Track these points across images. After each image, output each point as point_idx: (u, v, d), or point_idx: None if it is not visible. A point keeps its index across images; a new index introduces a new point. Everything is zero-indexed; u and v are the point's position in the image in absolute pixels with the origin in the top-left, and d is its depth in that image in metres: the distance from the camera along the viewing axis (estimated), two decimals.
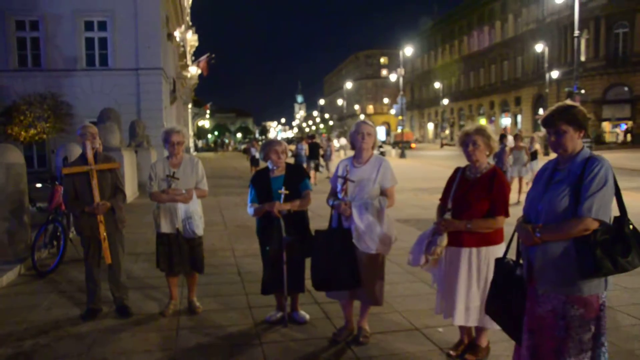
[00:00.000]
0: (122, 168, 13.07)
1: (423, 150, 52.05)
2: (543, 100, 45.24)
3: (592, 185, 2.81)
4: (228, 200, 14.49)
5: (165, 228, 5.05)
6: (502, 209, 3.89)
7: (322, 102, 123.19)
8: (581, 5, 25.83)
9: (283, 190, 4.73)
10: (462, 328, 4.25)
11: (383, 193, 4.42)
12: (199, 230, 5.09)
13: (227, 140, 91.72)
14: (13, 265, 6.71)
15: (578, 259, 2.81)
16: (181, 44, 37.19)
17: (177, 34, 32.45)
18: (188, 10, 46.34)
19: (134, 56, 22.96)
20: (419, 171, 13.87)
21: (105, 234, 4.99)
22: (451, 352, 4.23)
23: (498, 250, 3.87)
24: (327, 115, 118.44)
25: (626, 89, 43.98)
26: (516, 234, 3.16)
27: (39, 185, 8.22)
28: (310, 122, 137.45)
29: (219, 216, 11.78)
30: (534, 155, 14.03)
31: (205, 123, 72.64)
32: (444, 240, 3.97)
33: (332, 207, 4.55)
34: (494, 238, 3.93)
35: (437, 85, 67.03)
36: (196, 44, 49.64)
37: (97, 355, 4.30)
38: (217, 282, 6.37)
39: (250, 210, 4.93)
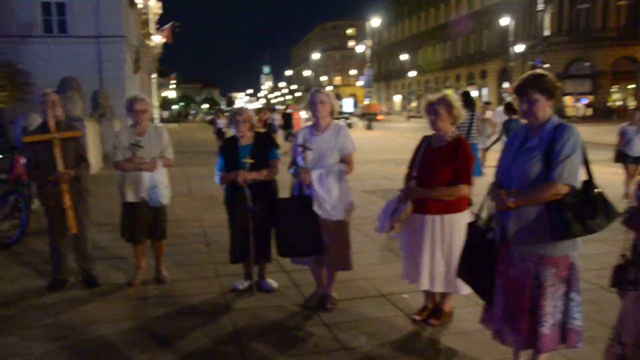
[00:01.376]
0: (86, 138, 12.75)
1: (390, 122, 52.25)
2: (508, 74, 45.86)
3: (563, 152, 2.93)
4: (194, 171, 14.34)
5: (131, 197, 5.00)
6: (465, 178, 3.98)
7: (289, 73, 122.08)
8: None
9: (247, 159, 4.72)
10: (426, 293, 4.38)
11: (342, 160, 4.48)
12: (165, 199, 5.06)
13: (193, 112, 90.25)
14: None
15: (550, 222, 2.95)
16: (144, 11, 36.11)
17: (139, 0, 31.46)
18: None
19: (94, 23, 22.25)
20: (385, 143, 14.02)
21: (70, 203, 4.91)
22: (416, 317, 4.36)
23: (461, 218, 3.98)
24: (294, 87, 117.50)
25: (587, 64, 44.89)
26: (488, 199, 3.27)
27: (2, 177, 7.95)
28: (277, 93, 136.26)
29: (186, 187, 11.69)
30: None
31: (171, 94, 71.26)
32: (408, 207, 4.05)
33: (292, 176, 4.58)
34: (457, 206, 4.02)
35: (404, 57, 67.05)
36: (160, 11, 48.27)
37: (63, 325, 4.28)
38: (185, 252, 6.36)
39: (217, 178, 4.93)
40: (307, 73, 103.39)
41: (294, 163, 4.63)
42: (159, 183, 4.99)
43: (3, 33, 21.65)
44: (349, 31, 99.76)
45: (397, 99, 78.37)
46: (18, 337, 4.07)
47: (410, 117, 59.69)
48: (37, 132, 5.02)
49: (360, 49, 52.68)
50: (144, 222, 5.07)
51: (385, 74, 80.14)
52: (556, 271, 3.05)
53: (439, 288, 4.13)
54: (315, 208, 4.35)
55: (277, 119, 20.80)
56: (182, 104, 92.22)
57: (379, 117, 49.28)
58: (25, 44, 21.71)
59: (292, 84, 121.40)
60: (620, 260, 2.78)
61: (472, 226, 3.46)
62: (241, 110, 4.92)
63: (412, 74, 65.75)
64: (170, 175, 5.25)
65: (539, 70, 3.24)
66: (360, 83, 52.52)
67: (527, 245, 3.07)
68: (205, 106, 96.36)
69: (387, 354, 3.79)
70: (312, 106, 4.51)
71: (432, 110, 4.07)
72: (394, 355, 3.78)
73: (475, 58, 57.34)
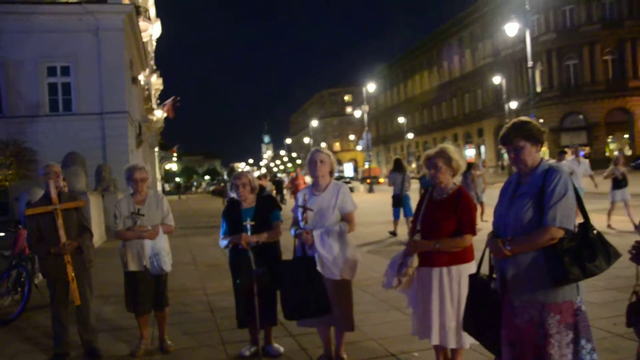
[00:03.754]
0: (89, 211, 12.82)
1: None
2: None
3: (554, 196, 2.91)
4: (198, 241, 14.29)
5: (133, 266, 4.96)
6: (469, 228, 3.96)
7: (289, 141, 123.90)
8: (533, 39, 26.98)
9: (248, 222, 4.72)
10: (437, 349, 4.25)
11: (344, 218, 4.47)
12: (167, 266, 5.02)
13: (195, 183, 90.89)
14: None
15: (548, 268, 2.89)
16: (146, 87, 37.18)
17: (141, 77, 32.48)
18: (152, 55, 46.49)
19: (98, 100, 22.81)
20: (387, 205, 14.22)
21: (73, 274, 4.87)
22: None
23: (469, 268, 3.93)
24: (294, 154, 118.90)
25: (581, 116, 45.76)
26: (487, 249, 3.24)
27: (1, 234, 7.98)
28: (277, 162, 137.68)
29: (189, 256, 11.61)
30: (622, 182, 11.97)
31: (173, 166, 72.13)
32: (414, 260, 4.01)
33: (294, 237, 4.57)
34: (463, 256, 3.98)
35: (401, 120, 68.25)
36: (161, 87, 49.72)
37: None
38: (189, 321, 6.24)
39: (222, 242, 4.91)
40: (306, 140, 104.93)
41: (295, 224, 4.63)
42: (160, 250, 4.97)
43: (12, 114, 22.20)
44: (346, 97, 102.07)
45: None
46: None
47: (410, 177, 59.89)
48: (40, 204, 5.04)
49: (357, 114, 53.69)
50: (147, 291, 5.01)
51: (384, 137, 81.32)
52: (560, 318, 2.94)
53: (450, 343, 4.01)
54: (319, 268, 4.31)
55: (269, 185, 22.73)
56: (182, 177, 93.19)
57: (381, 179, 49.57)
58: (32, 123, 22.18)
59: (292, 151, 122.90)
60: (632, 298, 2.72)
61: (473, 278, 3.42)
62: (241, 175, 4.95)
63: (410, 135, 66.71)
64: (173, 245, 5.25)
65: (523, 118, 3.26)
66: (359, 148, 53.11)
67: (528, 293, 3.00)
68: (207, 177, 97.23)
69: None
70: (311, 165, 4.56)
71: (432, 164, 4.11)
72: None
73: (471, 117, 58.37)
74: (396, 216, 12.88)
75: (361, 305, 4.66)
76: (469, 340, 3.97)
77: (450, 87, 62.78)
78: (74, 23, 22.62)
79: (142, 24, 33.24)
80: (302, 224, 4.49)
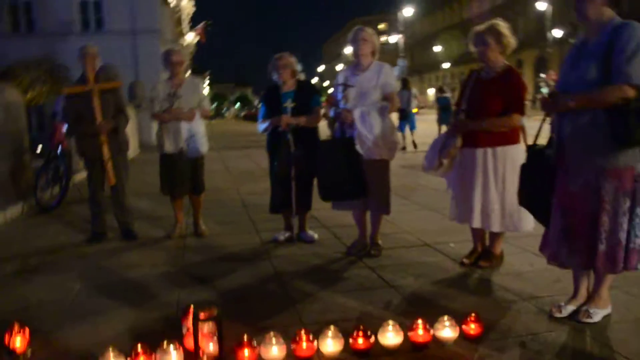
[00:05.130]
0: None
1: (424, 115, 51.65)
2: (544, 62, 44.67)
3: (627, 51, 2.69)
4: (231, 154, 14.39)
5: (169, 148, 4.93)
6: (517, 107, 3.76)
7: (320, 68, 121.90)
8: None
9: (289, 103, 4.61)
10: (475, 236, 4.16)
11: (385, 98, 4.29)
12: (203, 148, 5.00)
13: (225, 109, 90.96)
14: (16, 203, 6.62)
15: (611, 128, 2.71)
16: (177, 9, 36.54)
17: None
18: None
19: (129, 19, 22.54)
20: (424, 132, 14.35)
21: (109, 154, 4.88)
22: (464, 260, 4.15)
23: (514, 150, 3.76)
24: (327, 83, 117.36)
25: None
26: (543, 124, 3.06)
27: (39, 149, 7.95)
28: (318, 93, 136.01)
29: (222, 166, 11.66)
30: None
31: (205, 91, 71.79)
32: (457, 141, 3.86)
33: (333, 119, 4.42)
34: (510, 137, 3.80)
35: (437, 49, 66.13)
36: (193, 9, 48.82)
37: (103, 268, 4.26)
38: (223, 213, 6.30)
39: (260, 126, 4.83)
40: (339, 68, 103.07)
41: (335, 105, 4.48)
42: (197, 132, 4.93)
43: (43, 31, 22.17)
44: (381, 26, 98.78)
45: (431, 92, 77.34)
46: (60, 277, 4.06)
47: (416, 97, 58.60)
48: (77, 84, 5.00)
49: (393, 39, 52.05)
50: (183, 173, 5.00)
51: (419, 66, 79.14)
52: (619, 184, 2.80)
53: (493, 227, 3.90)
54: (358, 147, 4.18)
55: None
56: (216, 103, 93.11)
57: (415, 109, 48.33)
58: (64, 41, 22.07)
59: (324, 80, 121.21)
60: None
61: (530, 148, 3.25)
62: (282, 55, 4.79)
63: (446, 65, 64.80)
64: (207, 158, 5.23)
65: None
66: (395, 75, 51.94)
67: (586, 157, 2.84)
68: (237, 105, 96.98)
69: (436, 292, 3.60)
70: (354, 44, 4.36)
71: (480, 41, 3.87)
72: (444, 292, 3.58)
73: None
74: (402, 129, 13.19)
75: (398, 207, 4.58)
76: (516, 225, 3.87)
77: (489, 16, 60.14)
78: None
79: None
80: (342, 103, 4.33)
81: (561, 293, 3.31)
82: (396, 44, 46.31)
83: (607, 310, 3.06)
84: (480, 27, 3.94)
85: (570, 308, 3.11)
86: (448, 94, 16.48)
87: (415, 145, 13.43)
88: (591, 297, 3.08)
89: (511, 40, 3.89)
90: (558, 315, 3.07)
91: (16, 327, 2.74)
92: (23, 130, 7.09)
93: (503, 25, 3.91)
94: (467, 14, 65.58)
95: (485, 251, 4.13)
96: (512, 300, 3.38)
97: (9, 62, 20.49)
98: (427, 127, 16.37)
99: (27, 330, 2.77)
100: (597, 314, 3.01)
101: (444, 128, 14.48)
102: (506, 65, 3.89)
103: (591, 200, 2.85)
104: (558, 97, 2.86)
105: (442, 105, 15.05)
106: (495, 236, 4.05)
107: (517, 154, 3.69)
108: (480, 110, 3.81)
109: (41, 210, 6.56)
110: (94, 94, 4.84)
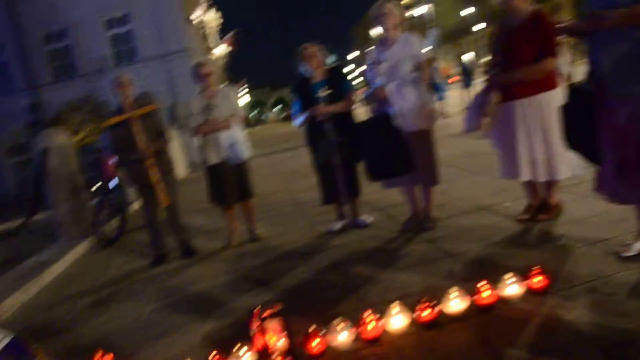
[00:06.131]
0: (171, 148, 13.21)
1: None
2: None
3: None
4: (277, 157, 14.51)
5: (213, 158, 5.02)
6: (550, 50, 3.61)
7: (353, 55, 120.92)
8: None
9: (323, 91, 4.60)
10: (529, 190, 4.05)
11: (417, 68, 4.21)
12: (246, 154, 5.05)
13: (265, 114, 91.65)
14: (81, 241, 6.92)
15: None
16: (200, 25, 37.12)
17: (194, 17, 32.37)
18: None
19: (159, 43, 23.13)
20: (453, 101, 14.54)
21: (157, 177, 5.02)
22: (522, 217, 4.04)
23: (554, 96, 3.63)
24: (364, 67, 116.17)
25: None
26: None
27: (97, 186, 8.18)
28: (349, 78, 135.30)
29: (271, 170, 11.79)
30: None
31: (244, 100, 72.46)
32: (494, 96, 3.75)
33: (369, 98, 4.39)
34: (547, 83, 3.66)
35: (467, 11, 64.23)
36: (220, 21, 49.40)
37: (168, 288, 4.38)
38: (276, 215, 6.37)
39: (297, 120, 4.85)
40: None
41: (367, 86, 4.45)
42: (237, 140, 4.99)
43: (81, 73, 23.08)
44: (405, 0, 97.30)
45: (468, 56, 75.40)
46: (129, 303, 4.21)
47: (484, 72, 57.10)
48: (113, 115, 5.16)
49: (418, 11, 50.97)
50: (230, 181, 5.07)
51: (451, 34, 77.32)
52: None
53: (543, 177, 3.78)
54: (398, 121, 4.13)
55: None
56: (256, 110, 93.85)
57: (452, 79, 47.17)
58: (101, 78, 22.92)
59: (360, 65, 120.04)
60: None
61: (569, 87, 3.13)
62: (305, 45, 4.79)
63: (480, 26, 62.86)
64: (255, 164, 5.29)
65: None
66: (427, 48, 50.78)
67: (627, 86, 2.71)
68: (276, 108, 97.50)
69: (497, 252, 3.53)
70: (377, 20, 4.31)
71: None
72: (506, 252, 3.50)
73: None
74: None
75: (446, 177, 4.53)
76: (564, 172, 3.74)
77: None
78: None
79: None
80: (376, 81, 4.28)
81: (627, 232, 3.19)
82: (424, 15, 45.34)
83: None
84: None
85: (639, 245, 2.98)
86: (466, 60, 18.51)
87: (442, 115, 13.90)
88: None
89: None
90: (626, 254, 2.95)
91: (100, 354, 2.88)
92: (76, 170, 7.39)
93: None
94: None
95: (542, 203, 4.00)
96: (576, 247, 3.28)
97: (56, 108, 21.50)
98: (456, 95, 16.38)
99: (111, 356, 2.90)
100: None
101: (468, 91, 14.82)
102: (533, 10, 3.74)
103: (638, 129, 2.72)
104: (597, 14, 2.69)
105: (464, 70, 16.40)
106: (549, 186, 3.93)
107: (556, 99, 3.56)
108: (512, 62, 3.69)
109: (105, 244, 6.82)
110: (133, 121, 4.99)
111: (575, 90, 3.03)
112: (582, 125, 2.99)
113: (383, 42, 4.35)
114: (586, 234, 3.46)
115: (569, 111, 3.10)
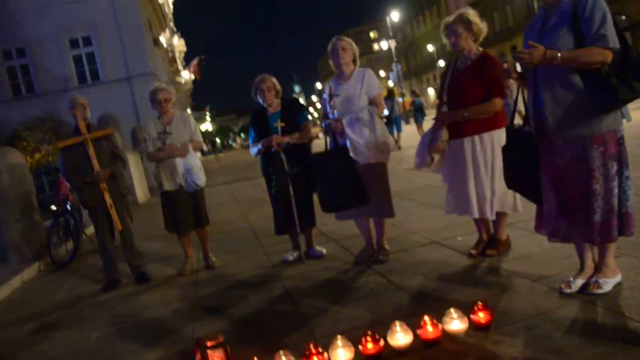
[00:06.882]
0: (129, 171, 13.04)
1: (428, 115, 51.57)
2: None
3: (595, 17, 2.74)
4: (238, 186, 14.45)
5: (168, 185, 5.00)
6: (497, 90, 3.77)
7: (319, 86, 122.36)
8: None
9: (278, 123, 4.67)
10: (479, 226, 4.16)
11: (371, 102, 4.32)
12: (201, 181, 5.04)
13: (233, 142, 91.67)
14: (31, 263, 6.72)
15: (594, 94, 2.75)
16: (169, 49, 37.08)
17: (162, 39, 32.34)
18: (170, 17, 46.12)
19: (123, 65, 22.95)
20: (412, 134, 15.07)
21: (110, 201, 4.96)
22: (472, 252, 4.15)
23: (501, 134, 3.77)
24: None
25: (624, 17, 43.15)
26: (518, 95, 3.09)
27: (53, 207, 7.99)
28: (311, 109, 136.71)
29: (231, 197, 11.73)
30: None
31: (208, 126, 72.43)
32: (444, 134, 3.88)
33: (325, 130, 4.47)
34: (494, 122, 3.81)
35: (430, 48, 66.18)
36: (184, 48, 49.44)
37: (119, 314, 4.29)
38: (232, 242, 6.34)
39: (252, 150, 4.88)
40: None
41: (324, 117, 4.53)
42: (193, 166, 4.98)
43: (44, 91, 22.64)
44: (372, 34, 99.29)
45: (431, 91, 77.25)
46: (77, 329, 4.11)
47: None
48: (70, 137, 5.10)
49: (384, 45, 52.15)
50: (185, 209, 5.05)
51: (415, 68, 79.21)
52: (604, 149, 2.82)
53: (491, 214, 3.89)
54: (352, 154, 4.20)
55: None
56: (218, 138, 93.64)
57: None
58: (63, 97, 22.52)
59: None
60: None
61: (508, 128, 3.28)
62: (264, 78, 4.85)
63: (442, 63, 64.74)
64: (215, 191, 5.28)
65: None
66: (390, 83, 51.77)
67: (570, 128, 2.86)
68: (242, 135, 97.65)
69: (445, 287, 3.59)
70: (333, 54, 4.42)
71: (451, 32, 3.91)
72: (453, 286, 3.57)
73: (502, 35, 56.05)
74: (390, 131, 14.48)
75: (402, 210, 4.61)
76: (508, 207, 3.88)
77: (478, 6, 60.21)
78: None
79: None
80: (330, 115, 4.37)
81: (571, 269, 3.29)
82: (389, 49, 46.43)
83: (617, 279, 3.04)
84: (449, 19, 3.99)
85: (580, 282, 3.09)
86: (421, 97, 19.68)
87: (399, 147, 14.47)
88: (598, 268, 3.06)
89: (481, 27, 3.92)
90: (568, 291, 3.05)
91: None
92: (30, 191, 7.22)
93: (472, 13, 3.95)
94: (453, 9, 65.70)
95: (491, 239, 4.12)
96: (521, 283, 3.37)
97: (14, 126, 20.95)
98: (414, 129, 17.04)
99: None
100: (607, 284, 2.99)
101: (422, 126, 16.06)
102: (480, 52, 3.92)
103: (580, 170, 2.87)
104: (537, 51, 2.76)
105: (416, 107, 17.24)
106: (497, 222, 4.04)
107: (503, 137, 3.70)
108: (461, 100, 3.83)
109: (57, 266, 6.65)
110: (88, 143, 4.94)
111: (514, 132, 3.17)
112: (521, 166, 3.11)
113: (339, 76, 4.46)
114: (532, 270, 3.56)
115: (508, 151, 3.23)
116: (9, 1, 21.80)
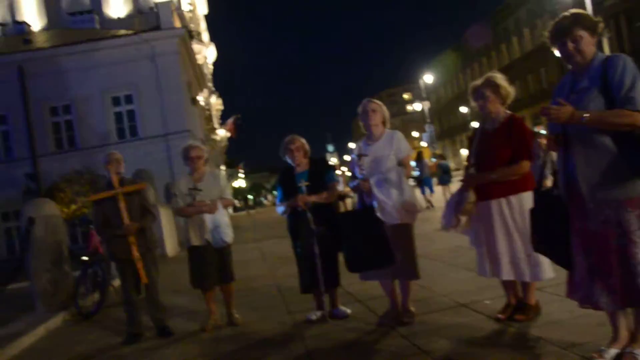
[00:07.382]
0: (160, 225, 13.24)
1: (459, 176, 51.30)
2: None
3: (625, 80, 2.73)
4: (268, 243, 14.46)
5: (195, 241, 5.04)
6: (525, 153, 3.76)
7: (353, 145, 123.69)
8: (596, 5, 25.59)
9: (303, 182, 4.71)
10: (508, 289, 4.04)
11: (400, 164, 4.34)
12: (228, 238, 5.07)
13: (264, 199, 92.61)
14: (57, 313, 6.78)
15: (628, 158, 2.71)
16: (206, 107, 38.25)
17: (200, 98, 33.45)
18: (209, 77, 47.86)
19: (161, 123, 23.71)
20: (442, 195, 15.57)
21: (138, 254, 5.01)
22: (499, 316, 4.01)
23: (529, 197, 3.70)
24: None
25: None
26: (548, 159, 3.05)
27: (84, 258, 8.16)
28: (344, 168, 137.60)
29: (259, 254, 11.72)
30: None
31: (242, 183, 73.48)
32: (471, 196, 3.84)
33: (353, 190, 4.49)
34: (522, 184, 3.77)
35: (464, 110, 66.60)
36: (222, 107, 50.95)
37: None
38: (257, 299, 6.29)
39: (279, 209, 4.93)
40: None
41: (353, 177, 4.56)
42: (221, 223, 5.03)
43: (85, 146, 23.48)
44: (405, 96, 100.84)
45: (464, 152, 77.14)
46: None
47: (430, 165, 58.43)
48: (103, 190, 5.24)
49: (417, 107, 52.86)
50: (211, 264, 5.06)
51: (448, 130, 79.48)
52: (639, 212, 2.73)
53: (524, 276, 3.79)
54: (379, 214, 4.19)
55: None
56: (252, 193, 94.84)
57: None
58: (103, 152, 23.21)
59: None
60: None
61: (536, 191, 3.21)
62: (293, 139, 4.94)
63: (475, 124, 64.88)
64: (243, 249, 5.34)
65: (575, 10, 3.05)
66: (424, 143, 52.09)
67: (603, 192, 2.78)
68: (275, 192, 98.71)
69: (471, 352, 3.47)
70: (363, 116, 4.49)
71: (479, 95, 3.95)
72: (478, 352, 3.44)
73: (537, 97, 56.03)
74: (422, 192, 16.16)
75: (429, 271, 4.52)
76: (542, 273, 3.76)
77: (511, 70, 60.68)
78: (132, 53, 23.67)
79: (196, 46, 34.27)
80: (358, 174, 4.40)
81: (604, 337, 3.13)
82: (422, 111, 46.98)
83: None
84: (477, 82, 4.03)
85: (613, 351, 2.94)
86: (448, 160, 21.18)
87: (430, 205, 15.36)
88: (634, 337, 2.92)
89: (509, 90, 3.95)
90: None
91: None
92: (62, 241, 7.37)
93: (499, 77, 3.99)
94: (488, 71, 66.31)
95: (519, 303, 3.98)
96: (551, 350, 3.23)
97: (54, 178, 21.67)
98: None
99: None
100: None
101: (448, 188, 16.26)
102: (508, 115, 3.93)
103: (615, 235, 2.77)
104: (566, 111, 2.75)
105: (443, 169, 17.70)
106: (526, 286, 3.93)
107: (531, 201, 3.63)
108: (489, 162, 3.82)
109: (82, 317, 6.69)
110: (119, 197, 5.06)
111: (542, 195, 3.11)
112: (550, 230, 3.03)
113: (368, 137, 4.52)
114: (562, 337, 3.42)
115: (537, 215, 3.16)
116: (59, 62, 23.02)
